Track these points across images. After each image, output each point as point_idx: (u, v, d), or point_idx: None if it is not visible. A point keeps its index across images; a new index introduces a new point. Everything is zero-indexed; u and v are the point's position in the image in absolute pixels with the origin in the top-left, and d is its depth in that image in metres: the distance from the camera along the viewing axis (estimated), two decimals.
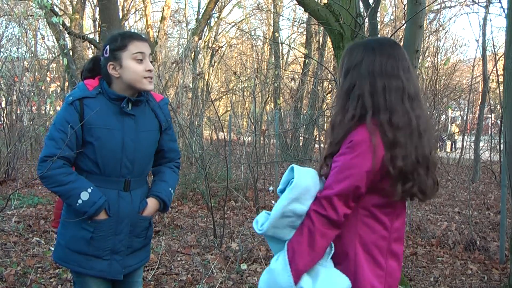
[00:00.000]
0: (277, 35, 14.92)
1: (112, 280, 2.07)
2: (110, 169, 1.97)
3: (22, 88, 9.29)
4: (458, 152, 14.34)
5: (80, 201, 1.89)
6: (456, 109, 16.74)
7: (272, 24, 16.69)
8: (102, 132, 1.94)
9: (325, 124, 13.47)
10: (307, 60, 13.84)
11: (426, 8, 4.31)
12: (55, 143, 1.91)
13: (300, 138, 13.18)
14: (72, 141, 1.92)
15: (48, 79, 15.55)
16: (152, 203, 2.11)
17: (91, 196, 1.91)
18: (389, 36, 8.78)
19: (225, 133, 8.97)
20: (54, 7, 11.70)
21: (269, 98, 13.22)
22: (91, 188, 1.93)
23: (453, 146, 17.46)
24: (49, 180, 1.91)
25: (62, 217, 2.05)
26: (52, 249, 4.29)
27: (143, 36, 2.11)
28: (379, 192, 1.56)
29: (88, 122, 1.93)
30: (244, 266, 4.12)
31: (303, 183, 1.55)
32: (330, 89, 14.28)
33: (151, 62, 2.03)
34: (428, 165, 1.60)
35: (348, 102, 1.61)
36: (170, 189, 2.18)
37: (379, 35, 6.05)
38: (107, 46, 2.01)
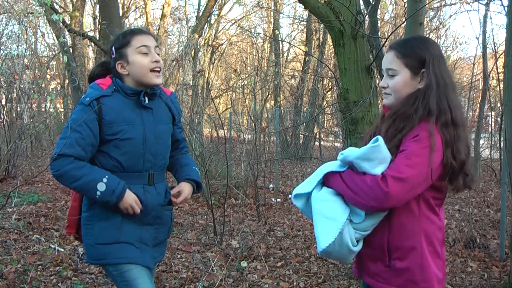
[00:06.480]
0: (277, 32, 14.90)
1: None
2: (133, 164, 1.97)
3: (22, 86, 9.28)
4: None
5: (98, 193, 1.87)
6: None
7: (272, 22, 16.67)
8: (124, 128, 1.94)
9: (325, 122, 13.50)
10: (307, 58, 13.83)
11: (427, 5, 4.30)
12: (68, 143, 1.88)
13: (301, 135, 13.17)
14: (87, 142, 1.91)
15: (48, 76, 15.56)
16: (186, 187, 2.12)
17: (108, 185, 1.88)
18: (389, 34, 8.77)
19: (225, 131, 8.97)
20: (54, 4, 11.68)
21: (269, 96, 13.21)
22: (106, 176, 1.89)
23: None
24: (64, 177, 1.89)
25: (84, 219, 2.02)
26: (53, 246, 4.30)
27: (146, 30, 2.12)
28: (439, 187, 1.63)
29: (108, 121, 1.93)
30: (244, 264, 4.13)
31: (385, 153, 1.57)
32: (330, 87, 14.28)
33: (158, 55, 2.02)
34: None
35: (415, 96, 1.64)
36: (194, 168, 2.21)
37: (379, 33, 6.04)
38: (113, 47, 2.03)
